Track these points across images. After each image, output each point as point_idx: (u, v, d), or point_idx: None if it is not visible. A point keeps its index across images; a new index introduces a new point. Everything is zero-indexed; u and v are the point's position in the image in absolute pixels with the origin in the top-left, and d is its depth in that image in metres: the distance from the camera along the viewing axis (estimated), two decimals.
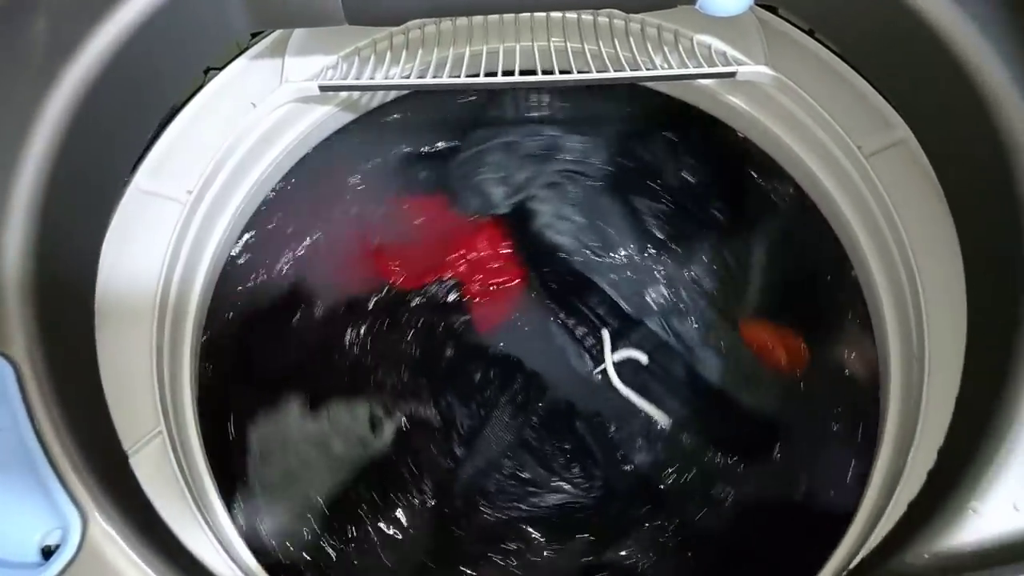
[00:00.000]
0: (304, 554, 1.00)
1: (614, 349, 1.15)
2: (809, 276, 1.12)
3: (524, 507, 1.08)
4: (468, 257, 1.20)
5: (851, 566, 0.75)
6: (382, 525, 1.04)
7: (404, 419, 1.11)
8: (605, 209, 1.22)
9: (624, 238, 1.20)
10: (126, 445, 0.72)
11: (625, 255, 1.20)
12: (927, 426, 0.81)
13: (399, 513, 1.05)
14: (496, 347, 1.17)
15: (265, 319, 1.11)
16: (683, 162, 1.20)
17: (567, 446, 1.11)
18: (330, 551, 1.01)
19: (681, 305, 1.17)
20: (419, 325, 1.16)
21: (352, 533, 1.03)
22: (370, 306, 1.16)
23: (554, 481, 1.09)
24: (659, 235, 1.20)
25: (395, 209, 1.20)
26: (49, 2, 0.67)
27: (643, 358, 1.14)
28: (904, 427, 0.87)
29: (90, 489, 0.59)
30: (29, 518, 0.59)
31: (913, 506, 0.70)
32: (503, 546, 1.05)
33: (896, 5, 0.71)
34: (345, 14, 0.77)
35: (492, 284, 1.20)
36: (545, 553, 1.05)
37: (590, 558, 1.04)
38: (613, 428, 1.12)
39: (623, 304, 1.18)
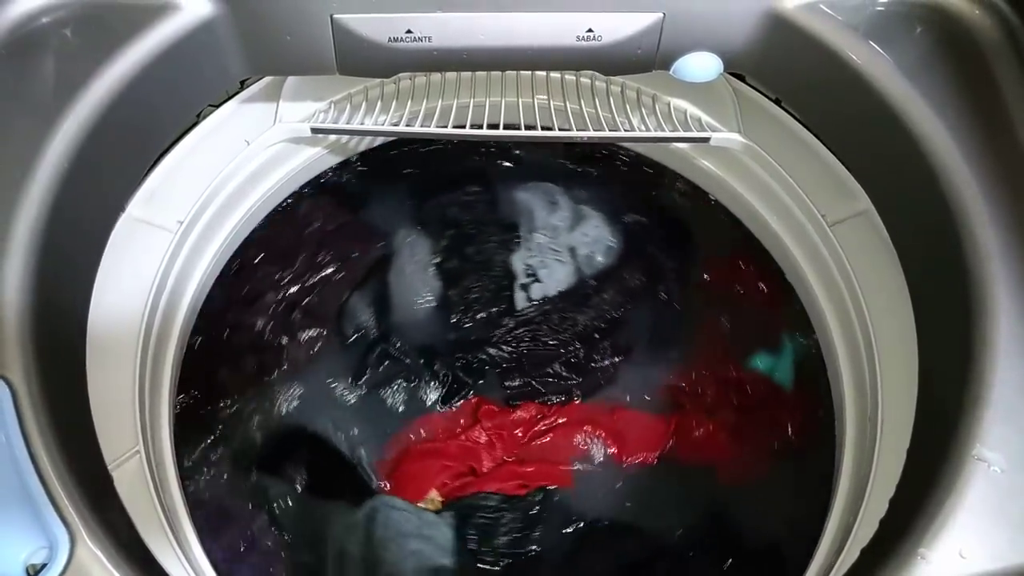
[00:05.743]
0: None
1: None
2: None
3: None
4: None
5: None
6: None
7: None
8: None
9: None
10: (107, 460, 0.73)
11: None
12: (879, 479, 0.84)
13: None
14: None
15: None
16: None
17: None
18: None
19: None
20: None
21: None
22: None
23: None
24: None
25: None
26: (58, 44, 0.70)
27: None
28: (857, 479, 0.91)
29: (79, 509, 0.59)
30: (16, 536, 0.59)
31: (866, 552, 0.72)
32: None
33: (855, 82, 0.76)
34: (337, 65, 0.81)
35: None
36: None
37: None
38: None
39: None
